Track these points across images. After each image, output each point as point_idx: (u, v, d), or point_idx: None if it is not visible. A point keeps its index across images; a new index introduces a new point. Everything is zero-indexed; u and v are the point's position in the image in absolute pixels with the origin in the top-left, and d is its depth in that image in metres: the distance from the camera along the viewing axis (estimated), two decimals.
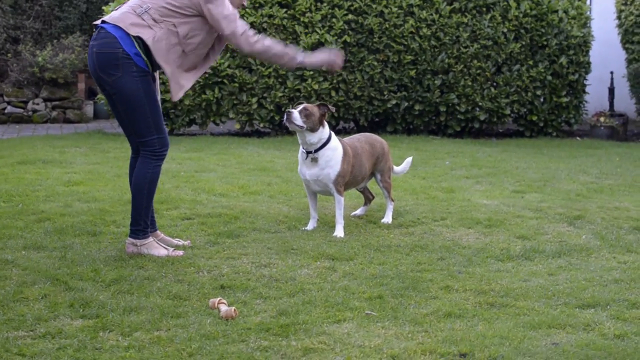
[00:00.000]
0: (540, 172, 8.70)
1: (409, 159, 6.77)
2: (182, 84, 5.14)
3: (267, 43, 5.18)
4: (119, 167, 8.03)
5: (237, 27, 5.08)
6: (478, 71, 11.70)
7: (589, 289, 4.68)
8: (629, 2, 12.69)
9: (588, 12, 12.50)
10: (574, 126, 12.58)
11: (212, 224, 5.99)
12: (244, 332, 3.94)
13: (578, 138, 12.28)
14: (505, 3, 11.74)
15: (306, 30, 11.20)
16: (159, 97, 5.24)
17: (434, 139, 11.45)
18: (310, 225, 6.01)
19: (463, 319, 4.17)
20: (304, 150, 5.87)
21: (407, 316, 4.20)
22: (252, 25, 11.07)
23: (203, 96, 11.12)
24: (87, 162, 8.59)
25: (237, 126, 11.58)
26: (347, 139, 6.22)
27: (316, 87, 11.19)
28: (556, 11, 12.00)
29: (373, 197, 6.59)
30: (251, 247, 5.44)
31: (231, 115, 11.34)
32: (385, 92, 11.58)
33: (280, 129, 11.48)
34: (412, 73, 11.50)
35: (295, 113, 5.68)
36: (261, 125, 11.55)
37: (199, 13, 5.06)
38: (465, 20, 11.59)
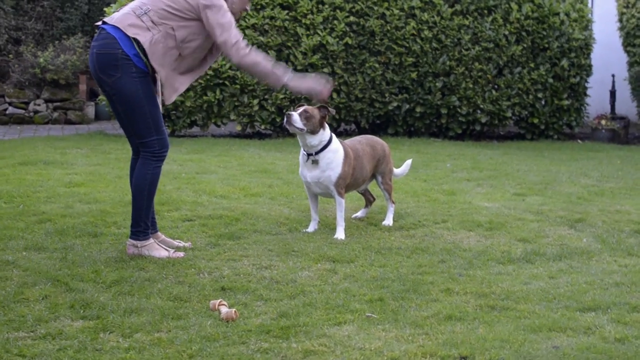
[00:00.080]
0: (541, 175, 8.69)
1: (409, 161, 6.77)
2: (176, 87, 5.14)
3: (257, 58, 5.13)
4: (120, 169, 8.03)
5: (230, 36, 5.05)
6: (479, 74, 11.70)
7: (590, 292, 4.68)
8: (630, 5, 12.68)
9: (589, 15, 12.50)
10: (575, 129, 12.58)
11: (213, 225, 5.99)
12: (245, 334, 3.94)
13: (579, 141, 12.28)
14: (507, 5, 11.75)
15: (308, 32, 11.20)
16: (159, 98, 5.24)
17: (435, 142, 11.44)
18: (311, 227, 6.01)
19: (464, 322, 4.17)
20: (305, 153, 5.87)
21: (407, 319, 4.19)
22: (254, 26, 11.09)
23: (204, 98, 11.12)
24: (88, 163, 8.60)
25: (239, 128, 11.58)
26: (348, 141, 6.22)
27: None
28: (558, 14, 12.00)
29: (374, 200, 6.59)
30: (252, 249, 5.44)
31: (232, 116, 11.34)
32: (387, 94, 11.58)
33: (282, 131, 11.48)
34: (414, 75, 11.50)
35: (295, 115, 5.68)
36: (262, 127, 11.55)
37: (197, 17, 5.06)
38: (467, 22, 11.59)
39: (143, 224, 5.18)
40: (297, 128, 5.68)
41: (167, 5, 5.04)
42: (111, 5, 11.80)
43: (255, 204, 6.72)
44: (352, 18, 11.27)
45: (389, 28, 11.36)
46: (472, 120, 11.92)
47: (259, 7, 11.13)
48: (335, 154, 5.87)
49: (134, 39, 4.97)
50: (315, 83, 5.28)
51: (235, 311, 4.16)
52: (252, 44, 11.02)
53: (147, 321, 4.06)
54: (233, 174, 8.14)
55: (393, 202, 6.36)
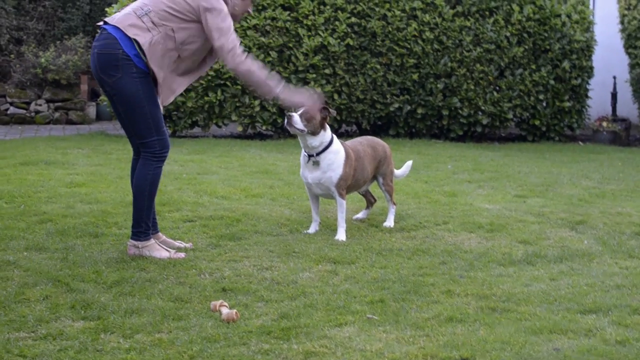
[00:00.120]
0: (542, 176, 8.69)
1: (409, 163, 6.77)
2: (173, 88, 5.14)
3: (252, 67, 5.12)
4: (121, 169, 8.04)
5: (227, 42, 5.04)
6: (481, 75, 11.70)
7: (591, 294, 4.68)
8: (632, 7, 12.67)
9: (591, 17, 12.50)
10: (576, 131, 12.57)
11: (214, 226, 5.99)
12: (245, 335, 3.94)
13: (580, 143, 12.27)
14: (508, 7, 11.75)
15: (309, 33, 11.20)
16: (160, 98, 5.23)
17: (437, 143, 11.44)
18: (312, 229, 6.01)
19: (464, 324, 4.17)
20: (306, 154, 5.86)
21: (408, 320, 4.19)
22: (255, 27, 11.09)
23: (205, 98, 11.12)
24: (90, 163, 8.60)
25: (240, 129, 11.58)
26: (349, 142, 6.22)
27: (319, 90, 11.19)
28: (559, 15, 12.00)
29: (375, 201, 6.59)
30: (253, 249, 5.44)
31: (234, 117, 11.34)
32: (388, 96, 11.58)
33: (283, 132, 11.48)
34: (415, 76, 11.50)
35: (296, 117, 5.67)
36: (263, 127, 11.55)
37: (198, 19, 5.06)
38: (468, 24, 11.59)
39: (144, 224, 5.18)
40: (298, 129, 5.68)
41: (168, 6, 5.04)
42: (112, 5, 11.80)
43: (256, 205, 6.72)
44: (353, 19, 11.27)
45: (390, 29, 11.36)
46: (473, 121, 11.92)
47: (260, 7, 11.13)
48: (336, 155, 5.86)
49: (133, 39, 4.97)
50: (306, 98, 5.33)
51: (236, 312, 4.16)
52: (254, 45, 11.05)
53: (148, 322, 4.06)
54: (234, 174, 8.14)
55: (394, 204, 6.36)
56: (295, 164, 8.42)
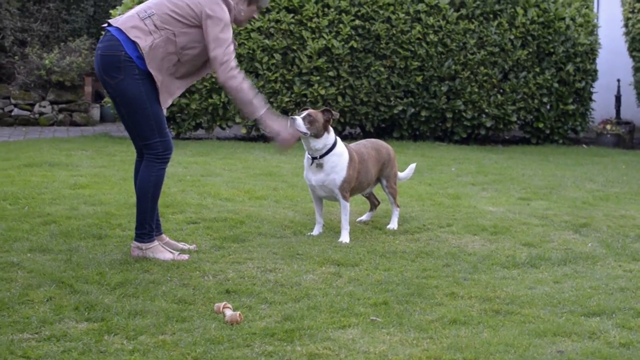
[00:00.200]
0: (546, 179, 8.69)
1: (413, 165, 6.77)
2: (172, 91, 5.14)
3: (242, 85, 5.08)
4: (125, 171, 8.04)
5: (221, 54, 5.02)
6: (485, 78, 11.70)
7: (595, 297, 4.67)
8: (636, 10, 12.67)
9: (595, 20, 12.50)
10: (580, 134, 12.57)
11: (217, 228, 5.99)
12: (249, 337, 3.94)
13: (584, 146, 12.27)
14: (513, 10, 11.75)
15: (313, 36, 11.21)
16: None
17: (440, 145, 11.44)
18: (316, 231, 6.01)
19: (468, 326, 4.16)
20: (310, 156, 5.87)
21: (412, 322, 4.19)
22: (260, 29, 11.10)
23: (209, 100, 11.14)
24: (93, 165, 8.61)
25: (244, 130, 11.59)
26: (353, 144, 6.22)
27: (323, 92, 11.20)
28: (563, 18, 12.00)
29: (379, 203, 6.59)
30: (257, 251, 5.44)
31: (237, 119, 11.35)
32: (392, 98, 11.58)
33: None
34: (419, 79, 11.51)
35: (299, 119, 5.67)
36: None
37: (199, 25, 5.05)
38: (472, 27, 11.59)
39: (148, 226, 5.18)
40: (301, 132, 5.68)
41: (171, 10, 5.05)
42: (117, 7, 11.81)
43: (260, 207, 6.72)
44: (357, 22, 11.27)
45: (394, 32, 11.37)
46: (477, 124, 11.92)
47: (264, 10, 11.13)
48: (340, 157, 5.86)
49: (134, 42, 4.98)
50: (282, 131, 5.25)
51: (239, 314, 4.16)
52: (258, 47, 11.06)
53: (152, 323, 4.06)
54: (238, 176, 8.15)
55: (398, 206, 6.36)
56: (299, 166, 8.42)
